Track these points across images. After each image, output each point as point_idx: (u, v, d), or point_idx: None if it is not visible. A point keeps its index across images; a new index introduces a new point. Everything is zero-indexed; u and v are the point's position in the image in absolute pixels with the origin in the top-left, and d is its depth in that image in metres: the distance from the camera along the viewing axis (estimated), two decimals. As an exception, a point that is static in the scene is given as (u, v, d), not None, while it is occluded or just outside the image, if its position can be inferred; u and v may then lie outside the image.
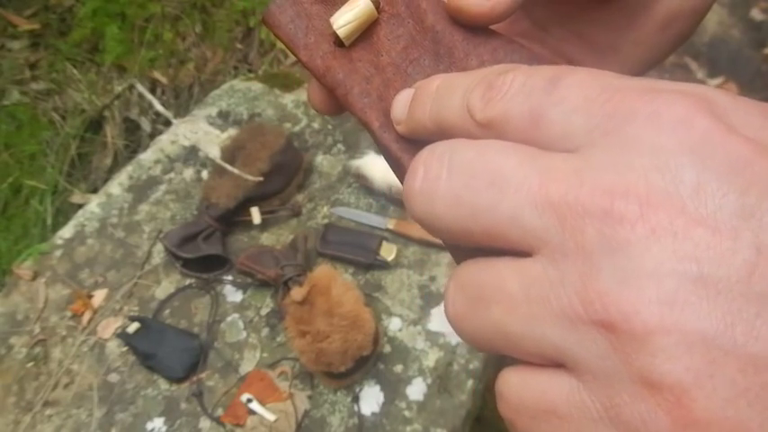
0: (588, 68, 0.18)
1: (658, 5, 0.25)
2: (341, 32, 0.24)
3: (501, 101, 0.17)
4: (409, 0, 0.24)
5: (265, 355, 0.97)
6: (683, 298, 0.14)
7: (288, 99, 1.27)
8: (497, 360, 1.01)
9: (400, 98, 0.22)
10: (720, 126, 0.15)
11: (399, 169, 0.24)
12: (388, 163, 0.25)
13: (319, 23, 0.25)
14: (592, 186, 0.15)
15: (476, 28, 0.24)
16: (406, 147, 0.24)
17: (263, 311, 1.01)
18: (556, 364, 0.15)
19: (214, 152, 1.11)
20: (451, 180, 0.17)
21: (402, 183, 0.25)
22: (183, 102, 1.63)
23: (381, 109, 0.24)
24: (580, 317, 0.14)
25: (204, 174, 1.17)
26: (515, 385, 0.16)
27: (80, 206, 1.22)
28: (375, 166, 1.08)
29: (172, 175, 1.18)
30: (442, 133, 0.19)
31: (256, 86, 1.30)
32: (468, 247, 0.18)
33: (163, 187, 1.16)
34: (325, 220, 1.09)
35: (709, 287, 0.14)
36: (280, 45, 1.69)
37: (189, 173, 1.18)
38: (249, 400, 0.91)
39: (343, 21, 0.24)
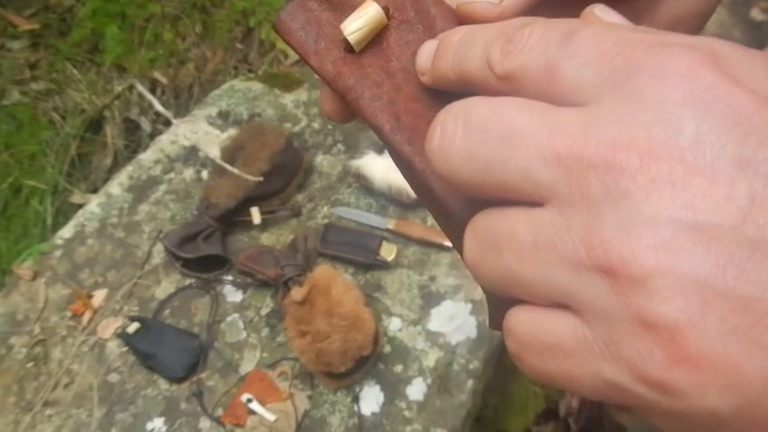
0: (604, 23, 0.18)
1: (663, 9, 0.26)
2: (351, 39, 0.24)
3: (518, 54, 0.18)
4: (419, 6, 0.25)
5: (265, 355, 0.97)
6: (678, 243, 0.15)
7: (288, 99, 1.27)
8: (497, 360, 1.01)
9: (424, 49, 0.22)
10: (725, 79, 0.15)
11: (411, 171, 0.24)
12: (398, 166, 0.25)
13: (330, 30, 0.25)
14: (596, 140, 0.16)
15: None
16: (417, 149, 0.24)
17: (263, 311, 1.01)
18: (562, 305, 0.17)
19: (214, 152, 1.11)
20: (466, 137, 0.18)
21: (412, 186, 0.26)
22: (183, 102, 1.63)
23: (392, 112, 0.24)
24: (584, 262, 0.16)
25: (204, 174, 1.17)
26: (524, 323, 0.18)
27: (80, 206, 1.22)
28: (375, 166, 1.08)
29: (172, 175, 1.18)
30: (463, 84, 0.20)
31: (256, 86, 1.30)
32: (476, 203, 0.19)
33: (163, 187, 1.16)
34: (325, 220, 1.09)
35: (704, 233, 0.14)
36: (280, 45, 1.69)
37: (189, 173, 1.18)
38: (249, 400, 0.91)
39: (354, 27, 0.24)
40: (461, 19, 0.24)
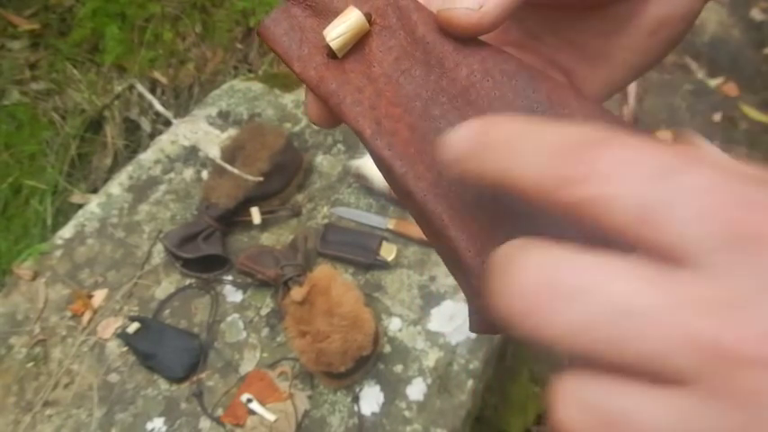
0: (710, 162, 0.15)
1: (647, 12, 0.26)
2: (333, 44, 0.24)
3: (598, 183, 0.15)
4: (400, 12, 0.25)
5: (265, 355, 0.97)
6: None
7: (288, 99, 1.27)
8: (497, 360, 1.01)
9: (457, 137, 0.19)
10: None
11: (392, 175, 0.24)
12: (380, 170, 0.25)
13: (313, 36, 0.25)
14: (744, 328, 0.14)
15: (465, 39, 0.24)
16: (397, 153, 0.24)
17: (263, 311, 1.01)
18: None
19: (214, 152, 1.11)
20: (571, 313, 0.15)
21: (393, 189, 0.25)
22: (183, 102, 1.63)
23: (373, 117, 0.25)
24: None
25: (204, 174, 1.17)
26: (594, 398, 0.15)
27: (80, 206, 1.22)
28: (375, 166, 1.08)
29: (172, 175, 1.18)
30: (503, 190, 0.17)
31: (256, 86, 1.30)
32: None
33: (163, 187, 1.16)
34: (325, 220, 1.09)
35: None
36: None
37: (189, 173, 1.18)
38: (249, 400, 0.91)
39: (336, 33, 0.24)
40: (441, 25, 0.24)
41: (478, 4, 0.23)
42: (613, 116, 0.24)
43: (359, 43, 0.25)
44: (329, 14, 0.25)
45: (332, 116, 0.26)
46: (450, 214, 0.24)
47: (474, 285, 0.23)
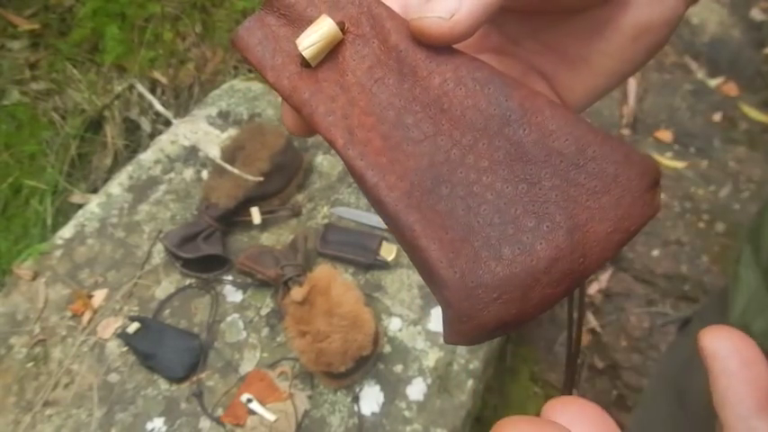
0: None
1: (626, 18, 0.26)
2: (306, 53, 0.24)
3: None
4: (374, 21, 0.25)
5: (265, 355, 0.97)
6: None
7: (288, 99, 1.27)
8: (497, 360, 1.01)
9: None
10: None
11: (364, 185, 0.24)
12: (354, 178, 0.25)
13: (286, 45, 0.25)
14: None
15: (439, 47, 0.24)
16: (369, 163, 0.24)
17: (263, 311, 1.01)
18: None
19: (214, 152, 1.11)
20: None
21: (367, 198, 0.25)
22: (183, 102, 1.63)
23: (345, 127, 0.24)
24: None
25: (204, 174, 1.17)
26: None
27: (80, 206, 1.22)
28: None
29: (172, 175, 1.18)
30: None
31: (256, 86, 1.30)
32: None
33: (163, 187, 1.16)
34: (325, 220, 1.09)
35: None
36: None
37: (189, 173, 1.18)
38: (249, 400, 0.91)
39: (309, 42, 0.24)
40: (413, 34, 0.24)
41: (450, 13, 0.22)
42: (586, 124, 0.24)
43: (332, 52, 0.25)
44: (303, 23, 0.25)
45: (307, 126, 0.26)
46: (423, 225, 0.23)
47: (446, 296, 0.23)
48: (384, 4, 0.25)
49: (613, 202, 0.23)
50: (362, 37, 0.25)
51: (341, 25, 0.25)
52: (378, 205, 0.25)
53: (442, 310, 0.24)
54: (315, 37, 0.24)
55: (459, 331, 0.23)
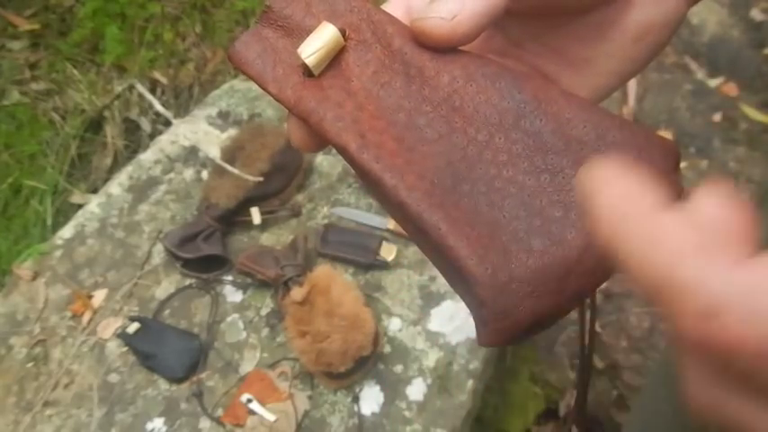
0: None
1: (628, 19, 0.26)
2: (309, 61, 0.24)
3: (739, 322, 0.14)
4: (375, 26, 0.25)
5: (265, 355, 0.97)
6: None
7: (288, 99, 1.27)
8: (497, 360, 1.01)
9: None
10: None
11: (382, 188, 0.24)
12: (366, 184, 0.25)
13: (287, 56, 0.25)
14: None
15: (442, 49, 0.24)
16: (386, 165, 0.24)
17: (263, 311, 1.01)
18: None
19: (214, 152, 1.11)
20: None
21: (382, 204, 0.25)
22: (183, 102, 1.63)
23: (357, 131, 0.24)
24: None
25: (204, 174, 1.17)
26: None
27: (80, 206, 1.22)
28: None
29: (172, 175, 1.18)
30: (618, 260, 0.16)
31: (256, 87, 1.29)
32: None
33: (163, 187, 1.16)
34: (325, 220, 1.09)
35: None
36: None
37: (189, 173, 1.18)
38: (249, 401, 0.91)
39: (311, 50, 0.24)
40: (416, 36, 0.24)
41: (452, 15, 0.22)
42: (601, 109, 0.24)
43: (335, 60, 0.25)
44: (302, 34, 0.25)
45: (315, 139, 0.25)
46: (448, 223, 0.23)
47: (480, 294, 0.23)
48: (383, 11, 0.25)
49: None
50: (364, 43, 0.25)
51: (342, 32, 0.24)
52: (397, 208, 0.24)
53: (475, 311, 0.24)
54: (317, 44, 0.24)
55: (495, 330, 0.23)
